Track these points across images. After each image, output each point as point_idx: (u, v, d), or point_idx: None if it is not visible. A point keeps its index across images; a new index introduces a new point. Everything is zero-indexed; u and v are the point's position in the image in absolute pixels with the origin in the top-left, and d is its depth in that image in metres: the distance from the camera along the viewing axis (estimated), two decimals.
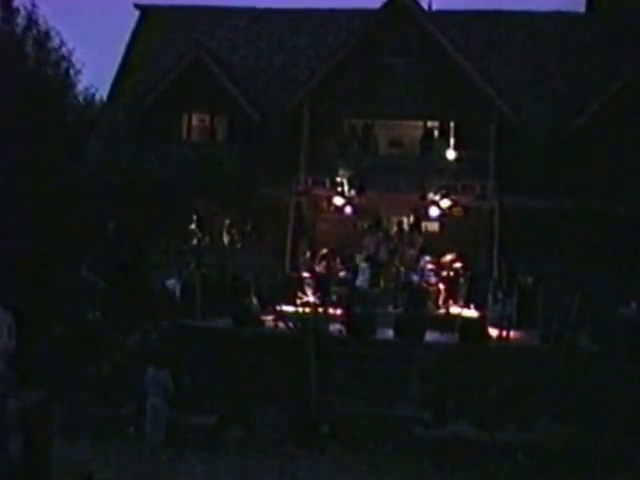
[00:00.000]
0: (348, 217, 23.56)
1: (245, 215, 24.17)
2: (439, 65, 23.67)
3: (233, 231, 24.22)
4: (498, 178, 23.29)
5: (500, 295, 20.58)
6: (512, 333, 19.97)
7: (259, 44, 27.69)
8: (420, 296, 21.32)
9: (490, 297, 20.95)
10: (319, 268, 22.60)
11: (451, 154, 23.28)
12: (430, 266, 22.06)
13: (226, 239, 24.19)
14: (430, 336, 19.69)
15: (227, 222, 24.33)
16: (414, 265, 22.39)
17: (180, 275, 21.34)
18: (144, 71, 26.88)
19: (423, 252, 22.63)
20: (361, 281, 21.53)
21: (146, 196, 20.34)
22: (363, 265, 21.89)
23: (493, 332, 19.80)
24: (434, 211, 22.84)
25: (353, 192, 22.96)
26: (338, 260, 22.83)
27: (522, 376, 17.91)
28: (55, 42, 17.66)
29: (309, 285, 21.76)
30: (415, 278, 21.78)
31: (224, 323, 20.06)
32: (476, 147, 23.32)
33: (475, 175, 23.19)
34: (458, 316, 20.70)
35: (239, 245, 24.18)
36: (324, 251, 23.03)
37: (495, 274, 22.20)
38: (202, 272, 21.57)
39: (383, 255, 23.06)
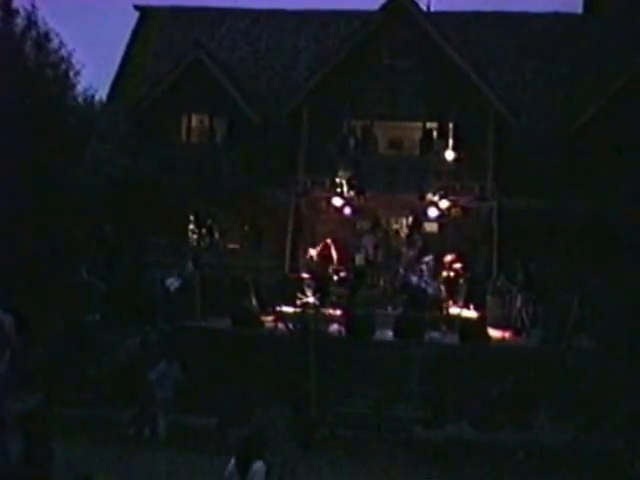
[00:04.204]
0: (347, 218, 23.58)
1: (244, 216, 24.20)
2: (438, 66, 23.69)
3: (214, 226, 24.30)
4: (497, 179, 23.31)
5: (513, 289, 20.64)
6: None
7: (259, 45, 27.71)
8: (419, 297, 21.33)
9: (489, 297, 21.00)
10: (317, 258, 22.66)
11: (450, 155, 23.26)
12: (429, 266, 22.07)
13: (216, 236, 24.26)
14: (429, 337, 19.72)
15: (209, 221, 24.38)
16: (413, 266, 22.41)
17: (180, 274, 21.35)
18: (143, 72, 26.92)
19: (422, 253, 22.65)
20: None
21: (145, 197, 20.36)
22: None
23: (494, 333, 19.89)
24: (433, 212, 22.84)
25: (352, 193, 22.96)
26: (334, 254, 22.87)
27: (522, 376, 17.93)
28: (55, 43, 17.70)
29: (308, 286, 21.77)
30: (414, 279, 21.79)
31: (224, 324, 20.08)
32: (475, 148, 23.32)
33: (474, 176, 23.20)
34: (457, 316, 20.72)
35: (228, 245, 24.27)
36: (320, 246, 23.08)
37: (494, 274, 22.23)
38: (201, 273, 21.59)
39: (381, 256, 23.11)
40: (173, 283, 20.89)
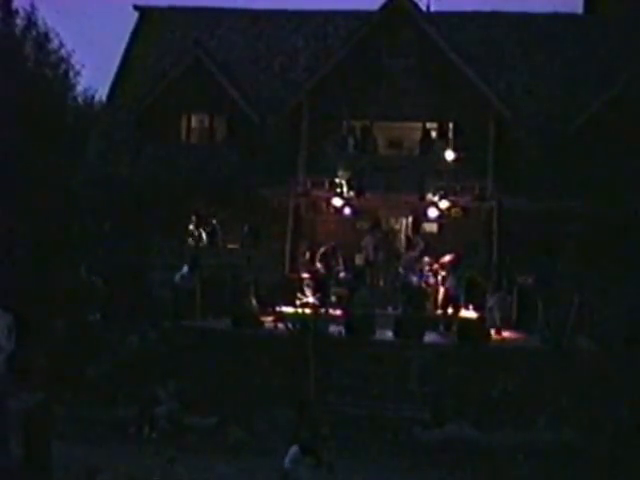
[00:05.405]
0: (347, 218, 23.57)
1: (244, 216, 24.20)
2: (437, 66, 23.67)
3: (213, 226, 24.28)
4: (497, 179, 23.29)
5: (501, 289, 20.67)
6: (507, 333, 20.10)
7: (258, 45, 27.72)
8: (419, 297, 21.34)
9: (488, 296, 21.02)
10: (320, 265, 22.63)
11: (450, 155, 23.25)
12: (429, 267, 22.08)
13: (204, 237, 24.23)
14: (429, 337, 19.73)
15: (210, 221, 24.35)
16: (413, 266, 22.41)
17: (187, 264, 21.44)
18: (143, 72, 26.92)
19: (422, 253, 22.65)
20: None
21: (145, 197, 20.37)
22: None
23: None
24: (433, 212, 22.84)
25: (352, 193, 22.95)
26: (339, 259, 22.84)
27: (521, 376, 17.94)
28: (54, 43, 17.62)
29: (308, 286, 21.77)
30: (414, 279, 21.80)
31: (224, 324, 20.08)
32: (475, 148, 23.31)
33: (474, 176, 23.18)
34: (457, 317, 20.72)
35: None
36: (323, 249, 23.05)
37: (494, 275, 22.24)
38: (201, 272, 21.60)
39: (381, 256, 23.10)
40: (182, 274, 21.01)
